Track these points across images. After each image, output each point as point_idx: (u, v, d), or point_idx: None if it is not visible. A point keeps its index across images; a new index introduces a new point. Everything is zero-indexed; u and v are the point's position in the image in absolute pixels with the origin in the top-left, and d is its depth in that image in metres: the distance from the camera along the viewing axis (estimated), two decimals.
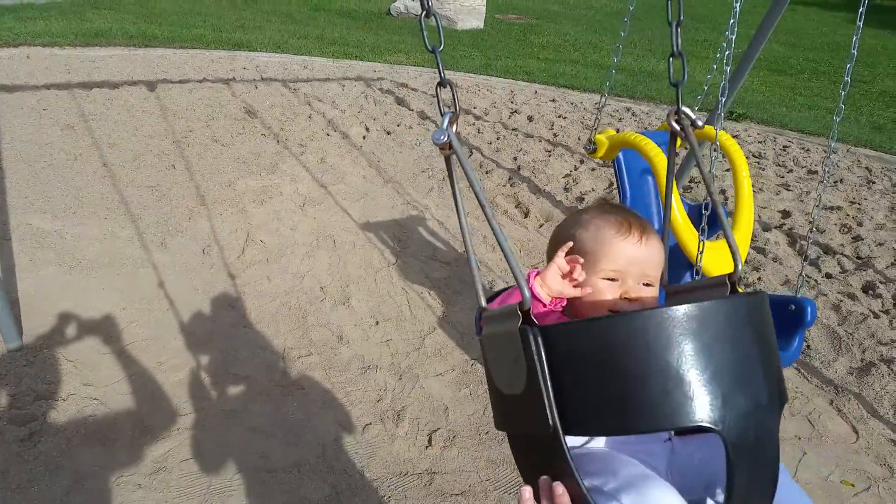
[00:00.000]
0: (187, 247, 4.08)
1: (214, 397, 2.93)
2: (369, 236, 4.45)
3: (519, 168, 5.72)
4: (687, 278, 2.70)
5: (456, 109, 1.06)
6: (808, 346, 3.62)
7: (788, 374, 3.41)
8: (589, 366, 0.89)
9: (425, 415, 2.96)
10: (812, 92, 9.69)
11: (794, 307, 2.43)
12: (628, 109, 7.54)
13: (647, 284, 1.24)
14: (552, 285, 1.18)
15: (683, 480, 1.10)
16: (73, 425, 2.69)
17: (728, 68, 2.43)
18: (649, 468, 1.07)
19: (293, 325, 3.50)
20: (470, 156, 5.89)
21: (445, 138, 1.02)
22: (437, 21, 1.11)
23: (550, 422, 0.90)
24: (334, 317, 3.61)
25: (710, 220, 2.27)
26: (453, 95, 1.07)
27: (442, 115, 1.05)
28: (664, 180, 2.24)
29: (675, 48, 1.21)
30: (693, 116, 1.16)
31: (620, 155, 2.47)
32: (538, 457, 0.99)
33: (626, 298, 1.21)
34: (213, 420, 2.80)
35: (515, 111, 7.20)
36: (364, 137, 6.13)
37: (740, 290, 1.10)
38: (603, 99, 2.69)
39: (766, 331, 0.95)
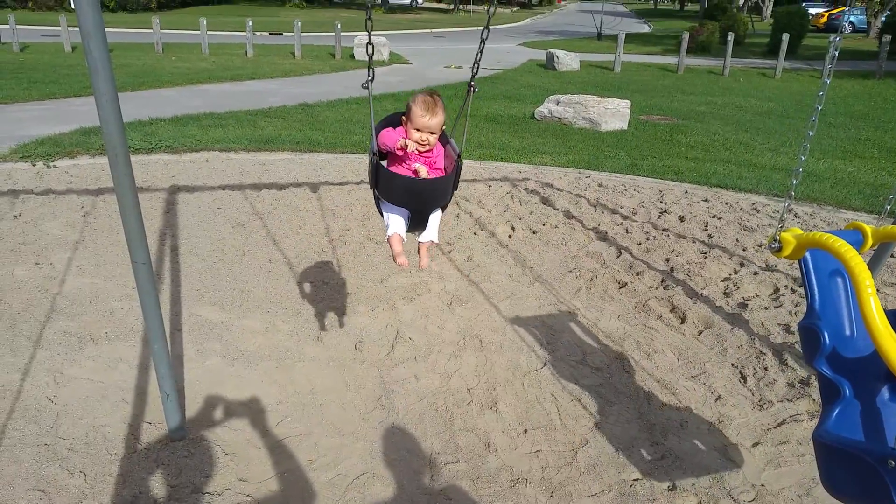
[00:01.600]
0: (341, 342, 4.17)
1: (362, 501, 2.87)
2: (516, 337, 4.35)
3: (672, 270, 5.45)
4: (885, 392, 2.37)
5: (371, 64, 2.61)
6: None
7: None
8: (385, 181, 2.73)
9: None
10: None
11: None
12: (790, 210, 7.07)
13: (432, 133, 2.78)
14: (387, 143, 2.78)
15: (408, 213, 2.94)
16: None
17: None
18: (401, 209, 2.86)
19: (440, 428, 3.41)
20: (619, 256, 5.70)
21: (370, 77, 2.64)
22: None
23: (371, 187, 2.86)
24: (481, 422, 3.48)
25: None
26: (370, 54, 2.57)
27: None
28: (861, 284, 1.99)
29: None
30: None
31: (808, 255, 2.24)
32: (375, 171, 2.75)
33: (420, 140, 2.78)
34: None
35: (665, 211, 6.97)
36: (510, 236, 6.14)
37: (461, 161, 2.82)
38: (788, 199, 2.49)
39: (445, 189, 2.90)
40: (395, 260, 2.83)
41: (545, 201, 7.17)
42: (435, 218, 2.93)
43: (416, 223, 2.89)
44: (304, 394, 3.63)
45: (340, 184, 7.35)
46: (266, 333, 4.22)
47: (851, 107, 15.31)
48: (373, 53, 2.60)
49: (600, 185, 7.90)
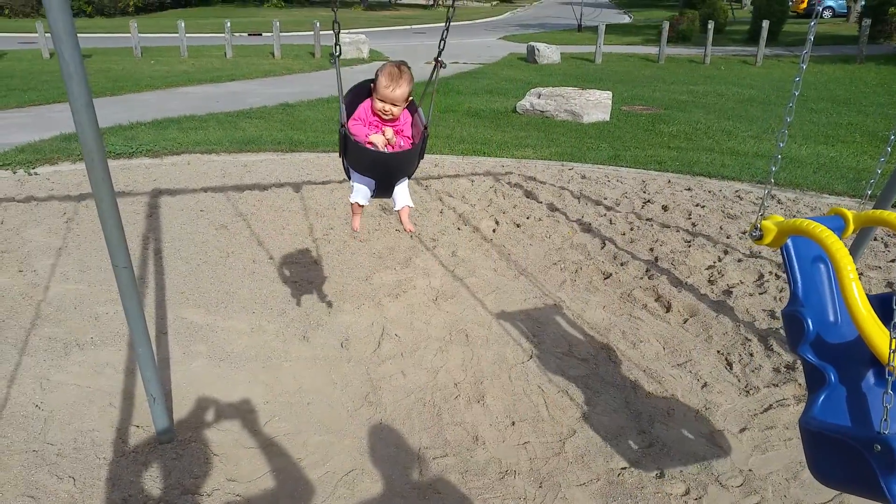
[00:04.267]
0: (327, 340, 4.17)
1: (351, 497, 2.88)
2: (503, 330, 4.37)
3: (657, 259, 5.48)
4: (870, 377, 2.40)
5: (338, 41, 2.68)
6: None
7: None
8: (353, 152, 2.87)
9: (540, 452, 2.74)
10: None
11: None
12: (773, 196, 7.13)
13: (395, 104, 2.88)
14: (357, 135, 2.90)
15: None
16: None
17: None
18: (367, 178, 3.05)
19: (428, 423, 3.42)
20: (603, 247, 5.73)
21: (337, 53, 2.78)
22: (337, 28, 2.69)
23: (341, 156, 3.04)
24: (469, 415, 3.50)
25: None
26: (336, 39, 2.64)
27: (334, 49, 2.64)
28: (843, 269, 2.01)
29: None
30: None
31: (789, 242, 2.27)
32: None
33: (383, 112, 2.90)
34: None
35: (648, 201, 7.01)
36: (494, 231, 6.16)
37: (427, 133, 2.82)
38: (768, 187, 2.51)
39: (410, 160, 3.07)
40: (353, 227, 3.24)
41: (529, 194, 7.19)
42: (402, 186, 3.10)
43: (383, 190, 3.07)
44: (291, 393, 3.63)
45: (323, 183, 7.33)
46: (252, 334, 4.22)
47: (833, 92, 15.45)
48: (339, 31, 2.78)
49: (583, 177, 7.93)
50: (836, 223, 2.44)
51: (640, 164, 8.60)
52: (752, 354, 4.07)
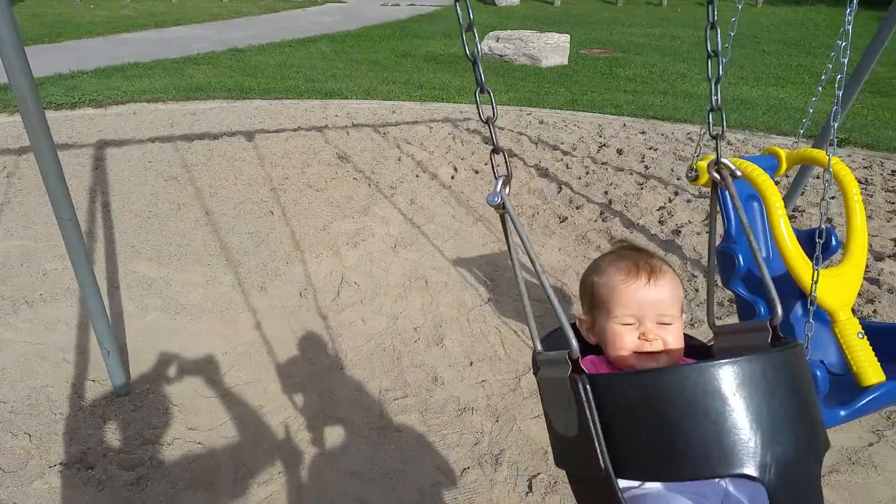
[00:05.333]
0: (285, 290, 4.17)
1: (314, 440, 2.93)
2: (461, 276, 4.41)
3: (611, 202, 5.57)
4: (798, 307, 2.53)
5: (508, 174, 1.15)
6: None
7: None
8: (636, 415, 0.93)
9: (524, 459, 2.84)
10: None
11: None
12: (723, 137, 7.26)
13: (665, 323, 1.26)
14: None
15: None
16: (179, 469, 2.73)
17: (839, 92, 2.27)
18: None
19: (388, 367, 3.47)
20: (559, 191, 5.79)
21: (499, 200, 1.12)
22: (490, 96, 1.17)
23: (602, 466, 0.95)
24: (428, 358, 3.56)
25: (824, 248, 2.11)
26: (506, 162, 1.15)
27: (496, 179, 1.13)
28: (772, 206, 2.08)
29: (713, 104, 1.27)
30: (732, 167, 1.23)
31: None
32: (594, 496, 1.04)
33: (644, 339, 1.24)
34: (312, 463, 2.79)
35: (604, 145, 7.06)
36: (453, 177, 6.15)
37: (781, 336, 1.13)
38: (703, 127, 2.56)
39: (804, 382, 0.99)
40: None
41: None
42: None
43: None
44: (250, 343, 3.63)
45: (277, 131, 7.19)
46: (207, 286, 4.18)
47: (785, 34, 15.61)
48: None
49: (541, 122, 7.93)
50: (770, 162, 2.51)
51: (597, 109, 8.64)
52: (697, 290, 4.21)
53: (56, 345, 3.54)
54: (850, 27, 2.32)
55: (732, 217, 2.43)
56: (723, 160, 1.23)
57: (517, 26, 14.83)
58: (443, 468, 2.79)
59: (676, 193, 5.71)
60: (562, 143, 7.09)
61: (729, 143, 7.13)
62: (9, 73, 2.26)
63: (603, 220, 5.24)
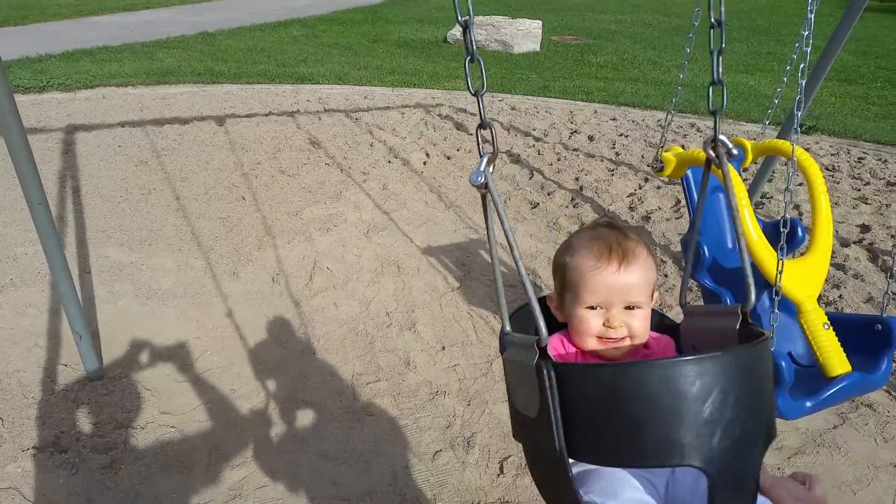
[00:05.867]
0: (257, 275, 4.18)
1: (287, 424, 2.96)
2: (433, 261, 4.46)
3: (581, 188, 5.65)
4: (765, 298, 2.59)
5: (494, 150, 1.11)
6: None
7: (878, 396, 3.22)
8: (596, 406, 0.97)
9: (496, 442, 2.91)
10: (886, 101, 9.28)
11: (880, 327, 2.28)
12: (692, 125, 7.38)
13: (632, 307, 1.26)
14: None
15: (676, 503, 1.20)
16: (152, 453, 2.75)
17: (803, 81, 2.33)
18: (650, 489, 1.18)
19: (361, 351, 3.51)
20: (531, 178, 5.85)
21: (482, 179, 1.09)
22: (480, 66, 1.14)
23: (557, 447, 1.00)
24: (401, 342, 3.61)
25: (789, 238, 2.16)
26: (493, 137, 1.12)
27: (480, 157, 1.10)
28: (735, 197, 2.15)
29: (715, 76, 1.20)
30: (730, 145, 1.19)
31: (689, 172, 2.40)
32: (546, 470, 1.10)
33: (609, 326, 1.26)
34: (285, 447, 2.83)
35: (575, 131, 7.14)
36: (425, 163, 6.18)
37: (750, 322, 1.17)
38: (669, 116, 2.63)
39: (762, 377, 1.01)
40: None
41: (459, 126, 7.21)
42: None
43: None
44: (222, 328, 3.65)
45: (248, 116, 7.14)
46: (179, 271, 4.17)
47: (754, 21, 15.81)
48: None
49: (513, 109, 7.98)
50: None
51: (569, 95, 8.71)
52: (666, 275, 4.31)
53: (27, 329, 3.52)
54: (812, 16, 2.39)
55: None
56: (720, 137, 1.19)
57: (489, 11, 14.82)
58: (415, 451, 2.85)
59: (647, 180, 5.81)
60: (533, 130, 7.15)
61: (699, 129, 7.26)
62: None
63: (574, 206, 5.32)
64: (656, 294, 1.35)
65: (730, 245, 2.61)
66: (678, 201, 5.38)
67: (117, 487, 2.57)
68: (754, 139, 2.77)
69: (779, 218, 2.29)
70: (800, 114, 2.42)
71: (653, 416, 0.93)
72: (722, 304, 2.28)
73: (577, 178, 5.85)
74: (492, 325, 3.77)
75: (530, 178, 5.86)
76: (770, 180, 5.30)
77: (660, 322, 1.36)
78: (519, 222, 5.06)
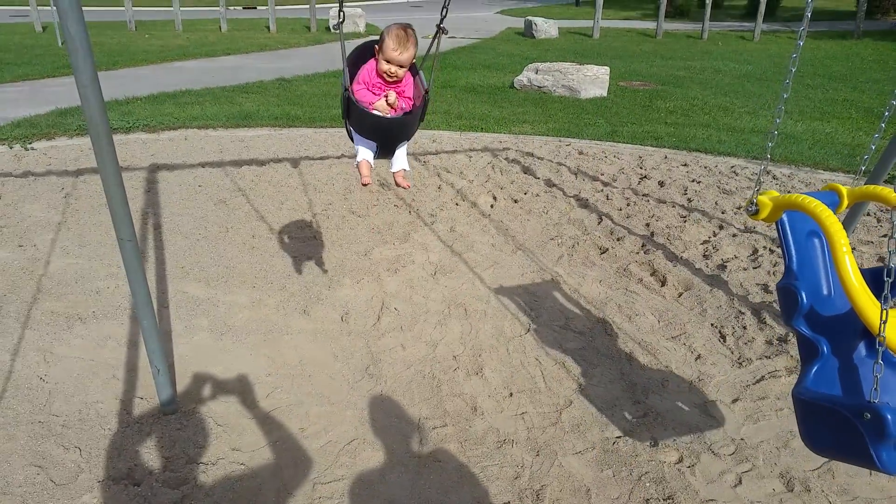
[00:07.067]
0: (327, 314, 4.22)
1: (353, 466, 2.94)
2: (500, 304, 4.42)
3: (653, 234, 5.53)
4: (862, 349, 2.44)
5: (342, 18, 2.88)
6: None
7: None
8: (356, 116, 3.02)
9: (566, 496, 2.81)
10: None
11: None
12: (768, 172, 7.17)
13: (401, 66, 2.97)
14: (361, 100, 3.04)
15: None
16: (222, 490, 2.77)
17: None
18: (370, 141, 3.22)
19: (428, 395, 3.48)
20: (600, 222, 5.78)
21: (341, 19, 2.90)
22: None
23: (344, 118, 3.13)
24: (468, 387, 3.56)
25: (893, 287, 2.04)
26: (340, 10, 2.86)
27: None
28: (837, 243, 2.05)
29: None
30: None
31: (785, 217, 2.30)
32: (346, 107, 3.04)
33: (386, 73, 2.98)
34: (352, 489, 2.80)
35: (645, 177, 7.04)
36: (492, 206, 6.19)
37: (428, 97, 3.11)
38: (764, 164, 2.54)
39: (411, 124, 3.19)
40: (361, 182, 3.21)
41: (526, 170, 7.21)
42: (401, 149, 3.33)
43: (385, 152, 3.29)
44: (292, 365, 3.69)
45: (321, 158, 7.34)
46: (252, 308, 4.26)
47: (829, 68, 15.40)
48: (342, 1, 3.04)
49: (581, 153, 7.95)
50: (831, 198, 2.47)
51: (637, 140, 8.62)
52: (745, 327, 4.14)
53: (107, 361, 3.64)
54: None
55: (793, 252, 2.38)
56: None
57: (556, 58, 14.93)
58: (482, 501, 2.78)
59: (721, 227, 5.65)
60: (602, 174, 7.09)
61: (774, 177, 7.04)
62: (83, 100, 2.37)
63: (645, 253, 5.20)
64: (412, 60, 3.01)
65: (825, 291, 2.48)
66: (755, 250, 5.21)
67: None
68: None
69: (875, 266, 2.17)
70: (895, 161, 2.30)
71: (368, 127, 3.06)
72: (819, 351, 2.15)
73: (647, 224, 5.74)
74: (561, 373, 3.69)
75: (599, 223, 5.78)
76: (852, 231, 5.07)
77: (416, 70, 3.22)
78: (588, 267, 4.98)
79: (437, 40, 2.98)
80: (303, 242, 5.27)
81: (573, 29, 22.57)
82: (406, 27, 2.97)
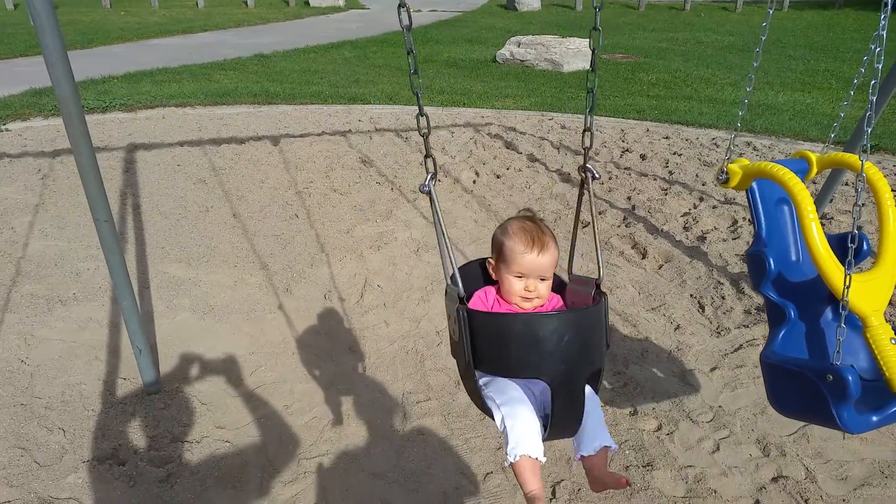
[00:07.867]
0: (310, 292, 4.23)
1: (338, 441, 2.97)
2: None
3: (634, 208, 5.56)
4: (828, 313, 2.50)
5: (435, 172, 1.73)
6: None
7: None
8: (490, 336, 1.63)
9: (548, 465, 2.85)
10: None
11: None
12: (749, 143, 7.21)
13: (543, 279, 1.86)
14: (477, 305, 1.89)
15: (545, 400, 1.72)
16: (207, 467, 2.79)
17: (873, 98, 2.24)
18: (528, 391, 1.75)
19: (411, 370, 3.51)
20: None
21: (427, 190, 1.70)
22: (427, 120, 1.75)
23: (466, 360, 1.65)
24: (451, 361, 3.54)
25: (856, 253, 2.09)
26: (434, 167, 1.72)
27: (427, 173, 1.72)
28: (804, 210, 2.08)
29: (587, 124, 1.86)
30: (596, 174, 1.94)
31: (754, 185, 2.33)
32: (465, 376, 1.75)
33: (527, 290, 1.84)
34: (337, 464, 2.83)
35: (627, 150, 7.05)
36: (474, 182, 6.19)
37: (600, 290, 1.82)
38: (734, 133, 2.56)
39: (592, 330, 1.67)
40: (527, 496, 1.68)
41: (509, 145, 7.21)
42: (593, 403, 1.78)
43: (560, 416, 1.65)
44: (275, 343, 3.70)
45: (301, 136, 7.28)
46: (234, 287, 4.25)
47: (811, 38, 15.44)
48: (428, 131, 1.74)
49: (563, 127, 7.94)
50: (801, 165, 2.50)
51: (620, 113, 8.63)
52: (723, 297, 4.19)
53: (88, 343, 3.63)
54: (884, 32, 2.30)
55: (763, 220, 2.41)
56: (588, 166, 1.95)
57: (538, 31, 14.84)
58: (466, 472, 2.82)
59: (702, 199, 5.69)
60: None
61: (755, 148, 7.08)
62: (53, 79, 2.34)
63: (626, 226, 5.24)
64: (556, 266, 1.92)
65: (793, 258, 2.52)
66: (735, 221, 5.25)
67: (173, 501, 2.61)
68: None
69: (842, 232, 2.21)
70: (869, 130, 2.33)
71: (520, 346, 1.59)
72: (787, 315, 2.21)
73: (629, 198, 5.77)
74: None
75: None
76: (831, 200, 5.13)
77: (560, 282, 1.98)
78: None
79: (586, 191, 1.99)
80: (284, 221, 5.25)
81: (556, 1, 22.40)
82: (532, 217, 1.93)
